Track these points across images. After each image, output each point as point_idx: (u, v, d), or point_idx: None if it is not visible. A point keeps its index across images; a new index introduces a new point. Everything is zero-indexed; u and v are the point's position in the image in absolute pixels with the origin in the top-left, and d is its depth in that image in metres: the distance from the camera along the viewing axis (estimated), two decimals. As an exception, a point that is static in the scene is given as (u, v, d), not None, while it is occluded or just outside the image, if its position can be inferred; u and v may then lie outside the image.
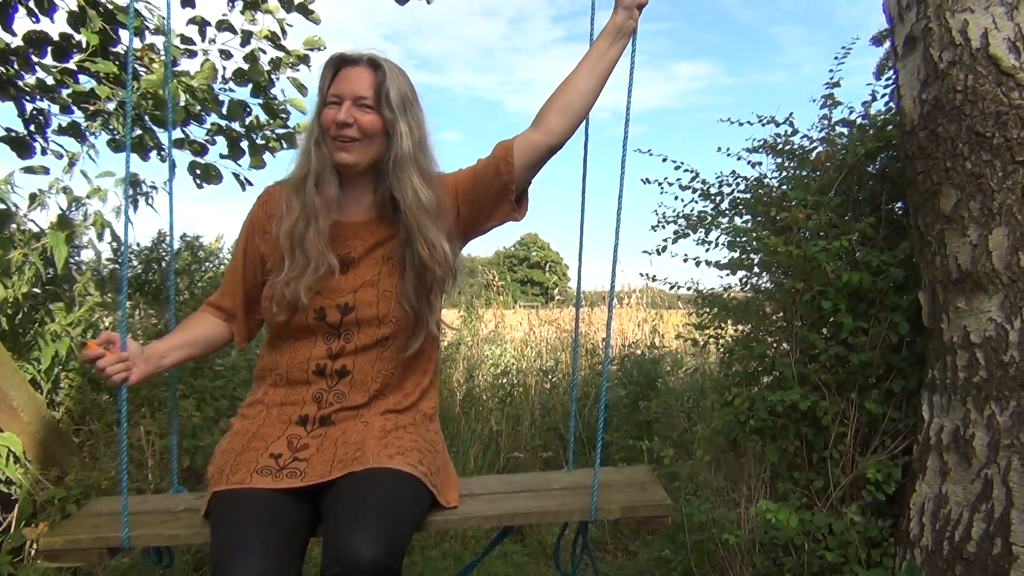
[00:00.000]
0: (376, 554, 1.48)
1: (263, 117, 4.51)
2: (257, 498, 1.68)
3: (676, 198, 3.46)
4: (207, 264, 5.77)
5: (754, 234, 3.14)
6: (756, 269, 3.29)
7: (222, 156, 4.36)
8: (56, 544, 1.80)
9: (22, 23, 3.77)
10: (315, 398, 1.85)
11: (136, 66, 4.04)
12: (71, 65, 3.81)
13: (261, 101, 4.47)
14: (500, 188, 1.90)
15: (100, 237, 3.63)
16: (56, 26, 4.45)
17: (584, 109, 1.90)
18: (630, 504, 1.96)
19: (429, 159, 1.90)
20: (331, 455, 1.77)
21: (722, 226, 3.30)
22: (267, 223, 1.93)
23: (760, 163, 3.34)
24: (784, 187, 3.17)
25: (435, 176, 1.90)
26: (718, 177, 3.39)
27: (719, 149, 3.41)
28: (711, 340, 3.56)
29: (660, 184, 3.44)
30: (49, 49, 3.79)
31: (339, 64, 1.86)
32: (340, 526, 1.57)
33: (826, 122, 3.23)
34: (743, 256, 3.26)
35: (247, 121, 4.45)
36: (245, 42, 4.32)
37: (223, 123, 4.38)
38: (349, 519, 1.57)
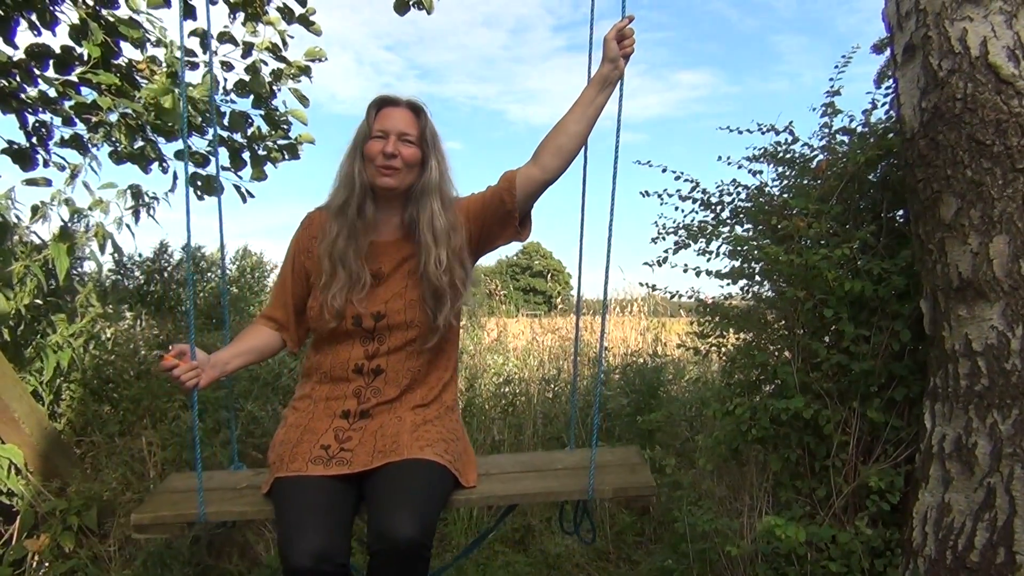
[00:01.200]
0: (413, 533, 1.80)
1: (265, 128, 4.52)
2: (313, 484, 1.99)
3: (676, 209, 3.46)
4: (209, 275, 5.79)
5: (755, 243, 3.14)
6: (757, 278, 3.28)
7: (224, 168, 4.36)
8: (145, 520, 2.08)
9: (24, 36, 3.78)
10: (355, 393, 2.18)
11: (137, 77, 4.06)
12: (73, 77, 3.82)
13: (263, 112, 4.48)
14: (504, 214, 2.20)
15: (102, 249, 3.63)
16: (58, 39, 4.47)
17: (575, 150, 2.17)
18: (621, 485, 2.22)
19: (450, 186, 2.23)
20: (372, 446, 2.08)
21: (723, 235, 3.29)
22: (310, 244, 2.25)
23: (761, 172, 3.35)
24: (785, 196, 3.17)
25: (453, 201, 2.22)
26: (718, 187, 3.40)
27: (719, 158, 3.42)
28: (713, 349, 3.56)
29: (660, 196, 3.44)
30: (51, 62, 3.80)
31: (382, 104, 2.20)
32: (382, 509, 1.88)
33: (827, 130, 3.23)
34: (744, 265, 3.25)
35: (249, 132, 4.46)
36: (246, 54, 4.34)
37: (225, 134, 4.40)
38: (390, 503, 1.88)
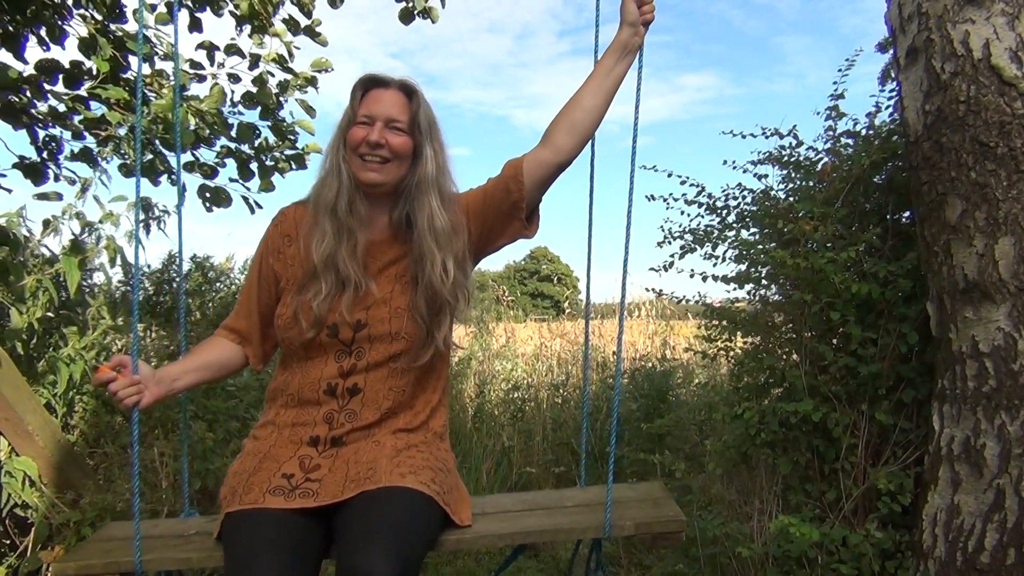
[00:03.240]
0: (389, 572, 1.49)
1: (272, 139, 4.55)
2: (270, 518, 1.67)
3: (682, 213, 3.47)
4: (218, 284, 5.82)
5: (761, 247, 3.15)
6: (764, 281, 3.29)
7: (231, 180, 4.39)
8: (69, 570, 1.80)
9: (33, 52, 3.81)
10: (326, 419, 1.86)
11: (146, 91, 4.09)
12: (82, 92, 3.86)
13: (270, 123, 4.51)
14: (510, 206, 1.92)
15: (112, 262, 3.66)
16: (67, 53, 4.51)
17: (592, 126, 1.92)
18: (644, 520, 1.96)
19: (449, 181, 1.95)
20: (343, 475, 1.77)
21: (729, 239, 3.30)
22: (282, 243, 1.95)
23: (766, 175, 3.35)
24: (790, 199, 3.18)
25: (453, 197, 1.94)
26: (724, 191, 3.41)
27: (724, 162, 3.43)
28: (721, 352, 3.56)
29: (665, 200, 3.45)
30: (60, 77, 3.84)
31: (369, 85, 1.90)
32: (353, 544, 1.57)
33: (831, 134, 3.24)
34: (751, 269, 3.26)
35: (256, 143, 4.49)
36: (253, 65, 4.37)
37: (233, 146, 4.42)
38: (362, 537, 1.57)
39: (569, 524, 1.95)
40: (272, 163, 4.57)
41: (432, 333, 1.88)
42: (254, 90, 4.37)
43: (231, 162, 4.45)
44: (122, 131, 3.79)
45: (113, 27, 3.98)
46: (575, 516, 2.00)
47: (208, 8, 4.19)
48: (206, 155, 4.39)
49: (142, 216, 3.79)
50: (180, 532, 2.00)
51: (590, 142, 2.01)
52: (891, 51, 2.80)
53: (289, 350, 1.93)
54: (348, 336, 1.86)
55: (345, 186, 1.87)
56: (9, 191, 3.50)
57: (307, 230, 1.91)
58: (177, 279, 5.29)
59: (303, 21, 4.39)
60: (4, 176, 3.52)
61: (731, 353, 3.53)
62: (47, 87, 3.79)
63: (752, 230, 3.32)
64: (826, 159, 3.21)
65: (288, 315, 1.87)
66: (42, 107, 3.86)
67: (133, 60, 4.02)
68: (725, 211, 3.40)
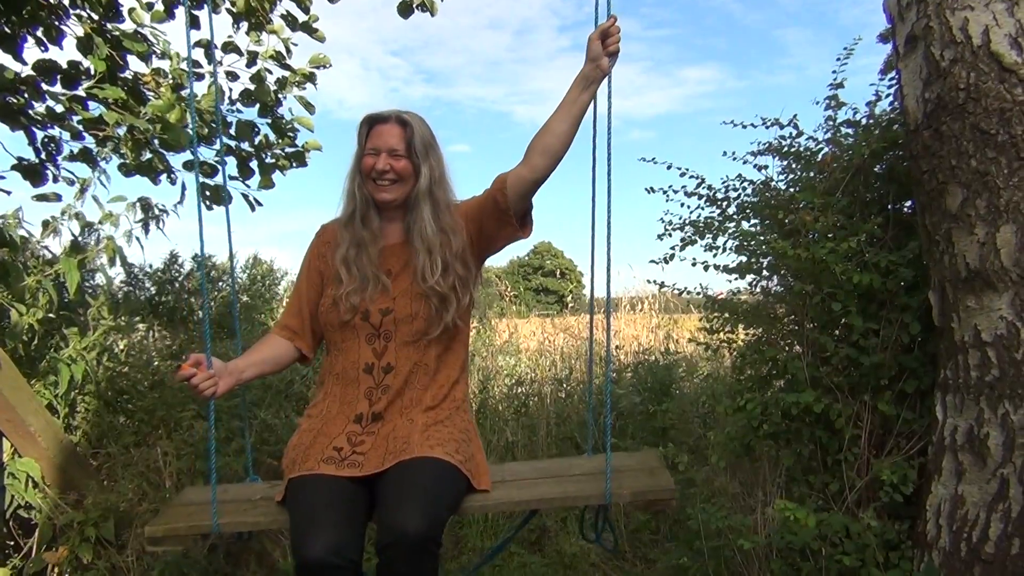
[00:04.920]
0: (419, 526, 1.84)
1: (272, 136, 4.54)
2: (325, 482, 2.03)
3: (682, 205, 3.45)
4: (221, 284, 5.82)
5: (762, 238, 3.13)
6: (765, 272, 3.27)
7: (231, 178, 4.38)
8: (158, 532, 2.10)
9: (31, 53, 3.81)
10: (366, 395, 2.22)
11: (144, 90, 4.09)
12: (80, 92, 3.85)
13: (269, 121, 4.50)
14: (500, 215, 2.25)
15: (112, 262, 3.66)
16: (64, 54, 4.50)
17: (562, 149, 2.20)
18: (640, 489, 2.21)
19: (446, 191, 2.33)
20: (384, 449, 2.12)
21: (729, 231, 3.29)
22: (325, 250, 2.37)
23: (766, 166, 3.34)
24: (791, 190, 3.17)
25: (452, 205, 2.32)
26: (724, 182, 3.39)
27: (725, 153, 3.41)
28: (723, 344, 3.55)
29: (665, 192, 3.44)
30: (58, 77, 3.83)
31: (372, 123, 2.30)
32: (392, 505, 1.92)
33: (831, 123, 3.22)
34: (752, 260, 3.25)
35: (256, 141, 4.48)
36: (251, 63, 4.36)
37: (232, 143, 4.42)
38: (399, 499, 1.92)
39: (576, 492, 2.22)
40: (272, 160, 4.56)
41: (441, 314, 2.24)
42: (252, 87, 4.36)
43: (231, 160, 4.44)
44: (120, 131, 3.79)
45: (110, 27, 3.97)
46: (581, 484, 2.26)
47: (205, 6, 4.18)
48: (206, 153, 4.39)
49: (140, 216, 3.79)
50: (247, 497, 2.30)
51: (594, 136, 2.26)
52: (891, 40, 2.78)
53: (331, 334, 2.30)
54: (377, 320, 2.23)
55: (359, 207, 2.29)
56: (8, 192, 3.49)
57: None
58: (179, 279, 5.30)
59: (300, 17, 4.38)
60: (3, 178, 3.52)
61: (733, 345, 3.51)
62: (45, 87, 3.78)
63: (753, 221, 3.30)
64: (826, 149, 3.19)
65: (329, 301, 2.27)
66: (40, 108, 3.86)
67: (130, 59, 4.01)
68: (725, 203, 3.38)
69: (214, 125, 4.06)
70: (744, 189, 3.35)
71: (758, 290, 3.38)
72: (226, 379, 2.13)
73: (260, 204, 4.46)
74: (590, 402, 2.69)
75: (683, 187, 3.42)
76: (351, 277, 2.25)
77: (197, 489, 2.46)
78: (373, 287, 2.25)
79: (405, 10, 4.33)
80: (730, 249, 3.29)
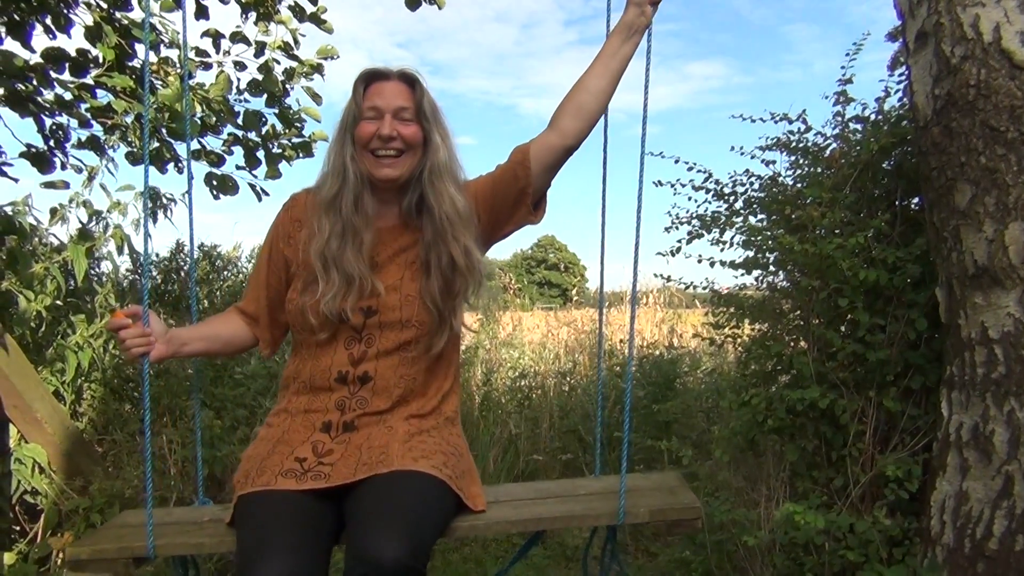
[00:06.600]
0: (399, 554, 1.47)
1: (279, 127, 4.55)
2: (282, 499, 1.68)
3: (689, 199, 3.45)
4: (226, 273, 5.83)
5: (769, 233, 3.13)
6: (772, 268, 3.27)
7: (238, 167, 4.39)
8: (82, 554, 1.80)
9: (39, 41, 3.81)
10: (338, 405, 1.85)
11: (152, 79, 4.09)
12: (88, 80, 3.86)
13: (276, 111, 4.50)
14: (518, 192, 1.90)
15: (120, 250, 3.67)
16: (73, 42, 4.51)
17: (599, 109, 1.89)
18: (659, 507, 1.94)
19: (459, 167, 1.93)
20: (356, 459, 1.76)
21: (736, 225, 3.29)
22: (292, 228, 1.95)
23: (774, 161, 3.33)
24: (799, 185, 3.16)
25: (462, 184, 1.92)
26: (732, 177, 3.39)
27: (732, 148, 3.40)
28: (728, 339, 3.55)
29: (673, 186, 3.43)
30: (67, 65, 3.84)
31: (370, 79, 1.88)
32: (363, 526, 1.56)
33: (839, 119, 3.21)
34: (758, 255, 3.25)
35: (263, 131, 4.48)
36: (259, 53, 4.36)
37: (239, 133, 4.42)
38: (372, 519, 1.56)
39: (583, 511, 1.94)
40: (279, 151, 4.57)
41: (447, 318, 1.88)
42: (260, 77, 4.37)
43: (238, 150, 4.46)
44: (128, 119, 3.79)
45: (118, 15, 3.97)
46: (589, 503, 1.99)
47: (214, -6, 4.19)
48: (212, 143, 4.40)
49: (148, 205, 3.80)
50: (193, 520, 1.99)
51: (602, 127, 1.98)
52: (901, 38, 2.78)
53: (296, 334, 1.93)
54: (359, 321, 1.84)
55: (351, 184, 1.84)
56: (16, 180, 3.50)
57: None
58: (185, 267, 5.31)
59: (308, 8, 4.38)
60: (11, 165, 3.53)
61: (738, 340, 3.51)
62: (53, 75, 3.79)
63: (760, 216, 3.30)
64: (834, 145, 3.18)
65: (295, 310, 1.87)
66: (48, 95, 3.86)
67: (139, 48, 4.02)
68: (732, 197, 3.37)
69: (222, 114, 4.07)
70: (751, 184, 3.34)
71: (764, 285, 3.38)
72: (162, 345, 1.77)
73: (267, 194, 4.46)
74: (600, 401, 2.37)
75: (691, 181, 3.41)
76: (329, 281, 1.81)
77: (135, 512, 2.14)
78: (359, 291, 1.82)
79: (413, 3, 4.33)
80: (737, 244, 3.29)
